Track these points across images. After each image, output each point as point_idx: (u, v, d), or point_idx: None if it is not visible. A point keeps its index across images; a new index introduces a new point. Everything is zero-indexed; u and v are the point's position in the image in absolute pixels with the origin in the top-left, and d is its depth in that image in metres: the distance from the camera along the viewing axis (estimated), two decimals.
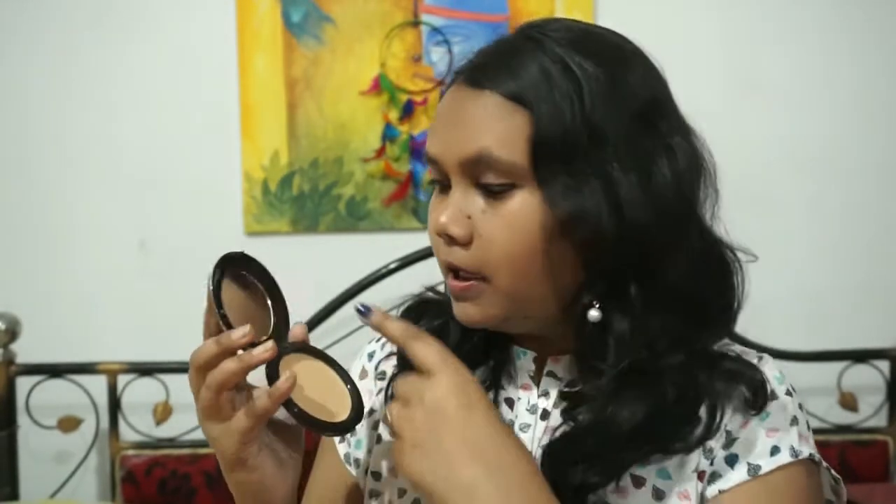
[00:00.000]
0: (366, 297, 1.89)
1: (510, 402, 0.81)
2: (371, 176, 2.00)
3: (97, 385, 1.89)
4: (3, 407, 1.86)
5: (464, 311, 0.75)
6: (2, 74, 1.98)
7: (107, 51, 1.98)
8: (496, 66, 0.73)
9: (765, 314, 1.98)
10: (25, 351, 1.88)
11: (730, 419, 0.74)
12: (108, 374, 1.89)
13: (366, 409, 0.84)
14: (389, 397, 0.85)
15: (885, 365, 1.98)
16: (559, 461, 0.73)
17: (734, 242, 0.84)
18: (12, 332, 1.85)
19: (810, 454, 0.74)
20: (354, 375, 0.91)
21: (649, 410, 0.71)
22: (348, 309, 1.91)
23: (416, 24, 1.99)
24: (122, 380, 1.90)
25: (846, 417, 2.00)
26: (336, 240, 2.02)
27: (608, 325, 0.73)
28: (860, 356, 1.98)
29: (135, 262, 2.00)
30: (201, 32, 1.99)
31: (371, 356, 0.93)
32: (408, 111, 1.99)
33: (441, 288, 0.86)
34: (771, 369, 0.78)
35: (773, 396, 0.75)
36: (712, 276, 0.79)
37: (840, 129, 2.06)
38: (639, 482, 0.74)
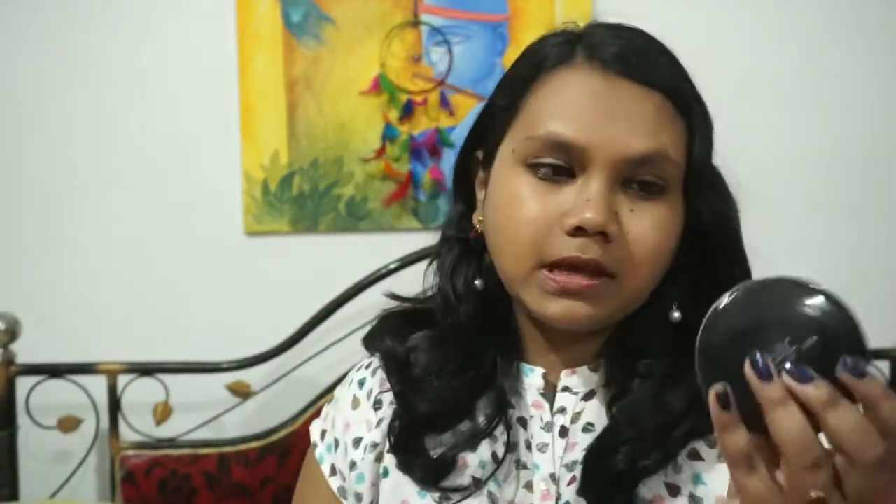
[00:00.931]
0: (366, 297, 1.89)
1: (523, 422, 0.79)
2: (371, 176, 2.00)
3: (97, 385, 1.89)
4: (2, 407, 1.86)
5: (571, 310, 0.71)
6: (2, 75, 1.98)
7: (106, 51, 1.98)
8: (654, 64, 0.75)
9: None
10: (25, 351, 1.88)
11: None
12: (108, 374, 1.89)
13: (367, 441, 0.83)
14: (394, 430, 0.82)
15: (885, 365, 1.98)
16: (610, 451, 0.72)
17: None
18: (12, 332, 1.85)
19: None
20: (345, 405, 0.88)
21: (691, 393, 0.72)
22: (348, 309, 1.91)
23: (416, 24, 1.99)
24: (122, 380, 1.90)
25: None
26: (336, 240, 2.02)
27: (683, 323, 0.75)
28: None
29: (135, 262, 2.00)
30: (201, 32, 1.99)
31: (362, 384, 0.89)
32: (408, 111, 1.99)
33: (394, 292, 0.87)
34: None
35: None
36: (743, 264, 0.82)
37: (840, 128, 2.06)
38: (674, 490, 0.74)
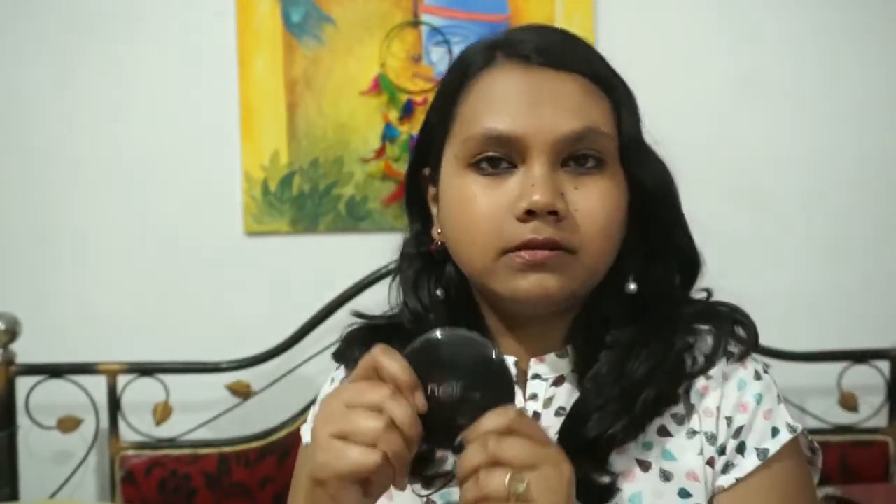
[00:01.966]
0: (366, 298, 1.89)
1: None
2: (371, 176, 2.00)
3: (97, 385, 1.89)
4: (2, 407, 1.86)
5: (541, 284, 0.75)
6: (1, 75, 1.98)
7: (106, 51, 1.98)
8: (571, 51, 0.79)
9: (764, 314, 1.97)
10: (25, 351, 1.88)
11: (722, 399, 0.80)
12: (108, 374, 1.89)
13: None
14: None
15: (885, 365, 1.98)
16: (580, 421, 0.76)
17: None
18: (12, 332, 1.85)
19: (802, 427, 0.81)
20: None
21: (655, 360, 0.78)
22: (348, 309, 1.91)
23: (416, 24, 1.99)
24: (122, 380, 1.90)
25: (846, 418, 2.00)
26: (336, 240, 2.02)
27: (639, 294, 0.80)
28: (860, 356, 1.98)
29: (135, 262, 2.00)
30: (201, 32, 1.99)
31: (344, 381, 0.91)
32: (408, 111, 1.99)
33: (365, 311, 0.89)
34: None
35: (758, 377, 0.81)
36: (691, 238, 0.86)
37: (840, 128, 2.06)
38: (645, 466, 0.77)
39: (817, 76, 2.05)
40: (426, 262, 0.86)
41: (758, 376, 0.81)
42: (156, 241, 2.00)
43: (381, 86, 1.98)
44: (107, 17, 1.97)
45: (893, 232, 2.07)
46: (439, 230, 0.84)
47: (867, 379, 1.99)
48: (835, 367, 1.98)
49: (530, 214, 0.74)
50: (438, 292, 0.84)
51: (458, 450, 0.68)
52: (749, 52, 2.04)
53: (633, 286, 0.80)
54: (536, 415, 0.81)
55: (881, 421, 1.99)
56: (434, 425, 0.69)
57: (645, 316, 0.80)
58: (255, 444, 1.91)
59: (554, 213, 0.74)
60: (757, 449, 0.78)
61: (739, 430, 0.78)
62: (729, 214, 1.93)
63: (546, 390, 0.82)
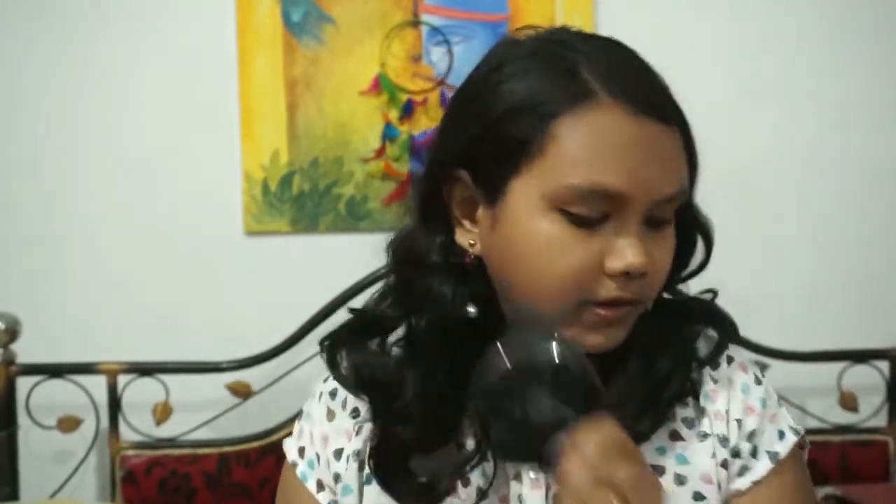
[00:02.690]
0: (366, 298, 1.88)
1: None
2: (371, 176, 2.00)
3: (97, 385, 1.89)
4: (3, 407, 1.86)
5: (609, 339, 0.75)
6: (2, 75, 1.98)
7: (106, 51, 1.98)
8: (668, 97, 0.76)
9: (764, 314, 1.98)
10: (25, 351, 1.88)
11: (728, 398, 0.80)
12: (108, 374, 1.89)
13: (348, 451, 0.82)
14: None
15: (885, 365, 1.98)
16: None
17: None
18: (12, 332, 1.85)
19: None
20: (319, 418, 0.86)
21: (676, 356, 0.79)
22: (348, 309, 1.91)
23: (416, 23, 1.99)
24: (122, 380, 1.90)
25: (846, 417, 2.00)
26: (336, 240, 2.02)
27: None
28: (860, 356, 1.98)
29: (135, 262, 2.00)
30: (201, 32, 1.99)
31: (334, 394, 0.87)
32: (408, 111, 1.99)
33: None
34: (743, 354, 0.85)
35: (759, 381, 0.82)
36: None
37: (840, 129, 2.06)
38: (660, 471, 0.78)
39: (817, 77, 2.05)
40: (458, 273, 0.79)
41: (758, 381, 0.82)
42: (156, 240, 2.00)
43: (381, 86, 1.98)
44: (107, 17, 1.97)
45: (893, 232, 2.07)
46: (472, 242, 0.78)
47: (867, 379, 1.99)
48: (835, 367, 1.98)
49: (624, 274, 0.72)
50: (472, 309, 0.78)
51: (546, 463, 0.66)
52: (750, 53, 2.04)
53: (665, 295, 0.81)
54: None
55: (881, 421, 1.99)
56: (519, 436, 0.67)
57: (667, 313, 0.81)
58: (255, 444, 1.91)
59: (644, 274, 0.72)
60: (768, 452, 0.80)
61: (751, 433, 0.80)
62: (729, 215, 1.92)
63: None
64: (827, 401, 2.01)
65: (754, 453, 0.79)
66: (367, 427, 0.83)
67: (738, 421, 0.80)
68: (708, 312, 0.83)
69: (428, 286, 0.79)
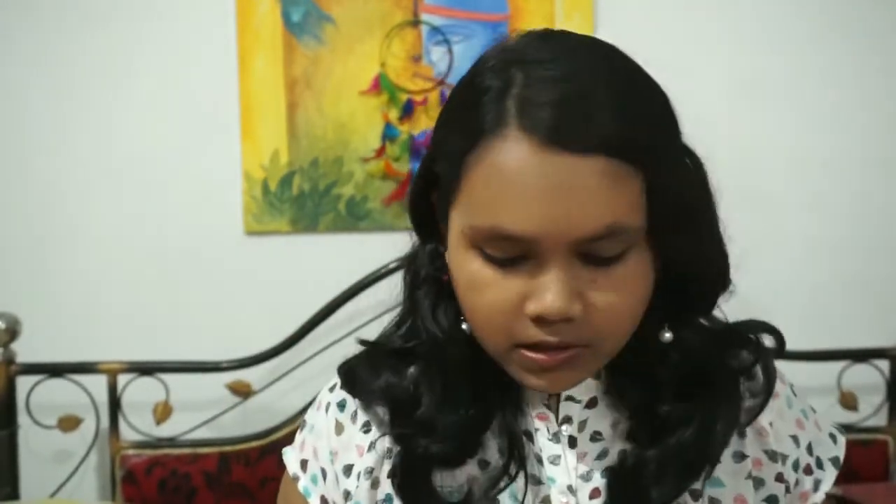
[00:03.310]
0: (366, 298, 1.89)
1: (529, 435, 0.76)
2: (371, 176, 2.00)
3: (97, 385, 1.89)
4: (3, 407, 1.86)
5: (554, 383, 0.70)
6: (1, 75, 1.98)
7: (106, 51, 1.98)
8: (592, 123, 0.64)
9: (764, 313, 1.98)
10: (25, 351, 1.88)
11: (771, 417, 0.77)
12: (108, 373, 1.89)
13: (360, 468, 0.78)
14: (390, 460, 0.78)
15: (885, 364, 1.98)
16: (640, 487, 0.72)
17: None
18: (12, 332, 1.85)
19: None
20: (326, 431, 0.82)
21: (712, 414, 0.73)
22: (348, 309, 1.92)
23: (416, 23, 1.99)
24: (122, 379, 1.90)
25: (846, 417, 2.00)
26: (336, 240, 2.02)
27: (676, 341, 0.73)
28: (860, 356, 1.98)
29: (135, 262, 2.00)
30: (201, 32, 1.99)
31: (343, 406, 0.82)
32: (408, 111, 1.99)
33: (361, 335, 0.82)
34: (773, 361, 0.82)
35: (794, 392, 0.81)
36: (724, 263, 0.79)
37: (839, 128, 2.06)
38: (696, 495, 0.75)
39: (817, 76, 2.05)
40: (441, 288, 0.76)
41: (794, 392, 0.82)
42: (156, 240, 2.00)
43: (381, 85, 1.98)
44: (107, 17, 1.97)
45: (894, 232, 2.07)
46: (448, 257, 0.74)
47: (867, 378, 1.99)
48: (835, 367, 1.98)
49: (541, 318, 0.66)
50: (465, 326, 0.74)
51: None
52: (750, 53, 2.04)
53: (668, 335, 0.73)
54: (573, 439, 0.76)
55: (881, 420, 2.00)
56: None
57: (694, 370, 0.74)
58: (255, 444, 1.91)
59: (568, 319, 0.66)
60: (831, 459, 0.80)
61: (810, 446, 0.79)
62: (728, 215, 1.93)
63: (580, 413, 0.76)
64: (827, 400, 2.01)
65: (820, 464, 0.79)
66: (382, 444, 0.78)
67: (794, 437, 0.78)
68: (755, 357, 0.78)
69: (424, 302, 0.77)
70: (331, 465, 0.81)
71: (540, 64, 0.66)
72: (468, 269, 0.68)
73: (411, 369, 0.78)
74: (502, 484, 0.74)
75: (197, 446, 1.91)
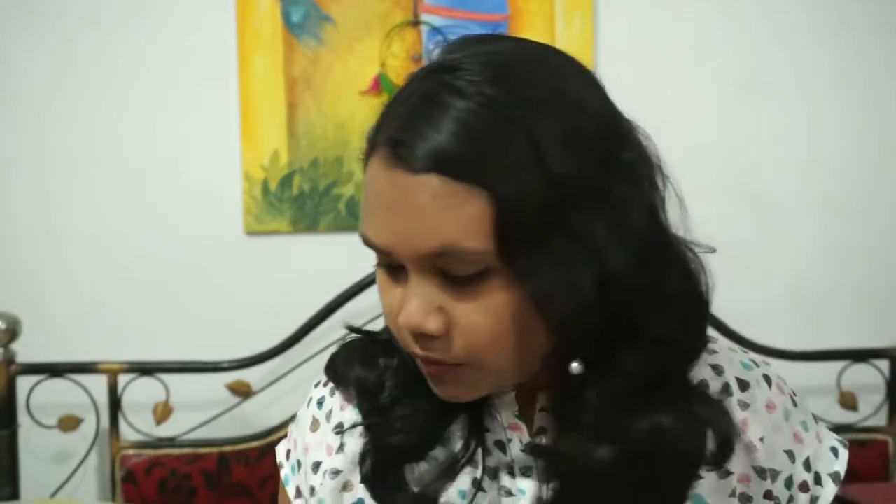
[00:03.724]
0: (366, 298, 1.89)
1: (500, 446, 0.75)
2: None
3: (97, 385, 1.89)
4: (3, 407, 1.86)
5: (451, 393, 0.70)
6: (1, 74, 1.98)
7: (106, 51, 1.98)
8: (426, 138, 0.63)
9: (765, 314, 1.99)
10: (25, 351, 1.88)
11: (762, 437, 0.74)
12: (108, 373, 1.89)
13: (326, 467, 0.79)
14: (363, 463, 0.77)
15: (884, 365, 1.98)
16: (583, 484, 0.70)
17: (692, 238, 0.72)
18: (12, 332, 1.85)
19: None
20: (305, 426, 0.83)
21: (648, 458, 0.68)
22: (348, 309, 1.92)
23: (416, 23, 1.99)
24: (122, 379, 1.90)
25: (846, 417, 2.00)
26: (336, 240, 2.02)
27: (590, 379, 0.68)
28: (860, 356, 1.98)
29: (135, 262, 2.00)
30: (201, 32, 1.99)
31: (321, 403, 0.83)
32: None
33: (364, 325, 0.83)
34: (773, 368, 0.79)
35: (795, 403, 0.78)
36: (689, 302, 0.70)
37: (840, 128, 2.06)
38: None
39: (818, 76, 2.05)
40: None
41: (794, 402, 0.78)
42: (156, 240, 2.00)
43: (381, 85, 1.98)
44: (107, 17, 1.97)
45: (893, 232, 2.07)
46: None
47: (867, 378, 1.99)
48: (835, 367, 1.99)
49: (413, 333, 0.66)
50: None
51: None
52: (750, 53, 2.04)
53: (575, 365, 0.67)
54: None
55: (881, 420, 2.00)
56: None
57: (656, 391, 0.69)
58: (254, 444, 1.91)
59: (425, 334, 0.65)
60: (830, 475, 0.77)
61: (807, 461, 0.76)
62: (729, 215, 1.93)
63: (556, 424, 0.74)
64: (827, 400, 2.02)
65: (818, 480, 0.76)
66: (353, 448, 0.78)
67: (789, 452, 0.75)
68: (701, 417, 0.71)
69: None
70: (304, 457, 0.83)
71: (416, 78, 0.70)
72: (376, 271, 0.71)
73: (385, 361, 0.79)
74: (461, 463, 0.74)
75: (197, 446, 1.91)
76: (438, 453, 0.75)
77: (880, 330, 2.02)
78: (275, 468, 0.88)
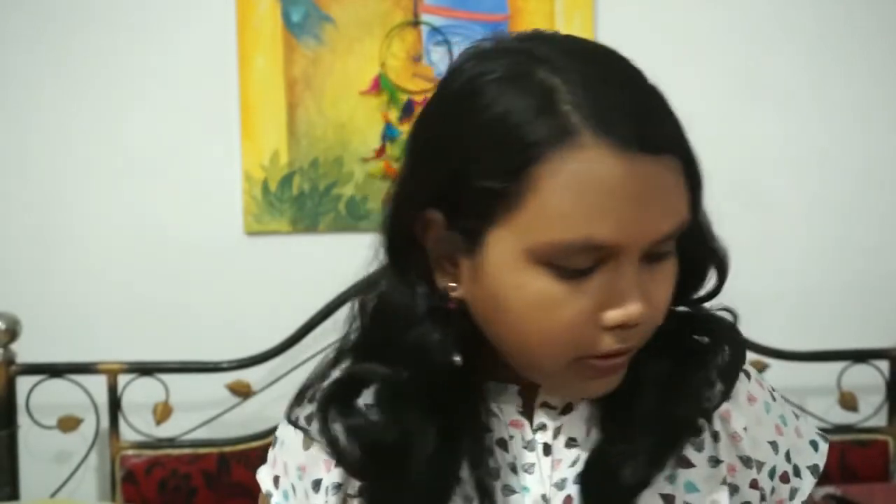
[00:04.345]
0: (365, 293, 1.88)
1: (502, 443, 0.75)
2: (371, 176, 2.00)
3: (97, 385, 1.89)
4: (3, 407, 1.86)
5: (606, 387, 0.69)
6: (1, 74, 1.98)
7: (106, 51, 1.98)
8: (665, 124, 0.66)
9: (765, 314, 1.98)
10: (25, 351, 1.88)
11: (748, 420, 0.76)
12: (108, 373, 1.89)
13: (327, 482, 0.77)
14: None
15: (884, 365, 1.98)
16: (612, 467, 0.70)
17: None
18: (12, 332, 1.85)
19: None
20: (295, 446, 0.80)
21: (695, 397, 0.73)
22: (348, 309, 1.91)
23: (416, 24, 1.99)
24: (122, 380, 1.90)
25: (846, 417, 2.00)
26: (336, 240, 2.02)
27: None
28: (860, 356, 1.98)
29: (135, 262, 2.00)
30: (201, 32, 1.99)
31: (310, 419, 0.80)
32: (408, 111, 1.99)
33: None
34: (750, 367, 0.81)
35: (773, 397, 0.80)
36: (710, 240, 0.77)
37: (840, 128, 2.06)
38: (669, 500, 0.73)
39: (819, 76, 2.05)
40: (444, 319, 0.72)
41: (773, 397, 0.80)
42: (156, 240, 2.00)
43: (381, 86, 1.98)
44: (107, 17, 1.97)
45: (893, 232, 2.07)
46: (453, 284, 0.71)
47: (867, 379, 1.99)
48: (835, 367, 1.98)
49: (622, 326, 0.65)
50: (457, 358, 0.71)
51: None
52: (751, 52, 2.04)
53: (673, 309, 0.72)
54: (547, 447, 0.74)
55: (881, 420, 2.00)
56: None
57: (666, 342, 0.72)
58: (254, 444, 1.91)
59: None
60: (809, 467, 0.78)
61: (788, 453, 0.77)
62: (729, 214, 1.93)
63: (555, 419, 0.74)
64: (827, 400, 2.02)
65: (797, 472, 0.78)
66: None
67: (773, 443, 0.77)
68: (721, 335, 0.77)
69: (416, 338, 0.73)
70: (299, 480, 0.79)
71: (564, 57, 0.66)
72: (534, 289, 0.65)
73: (361, 404, 0.76)
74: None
75: (197, 446, 1.91)
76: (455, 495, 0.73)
77: (880, 330, 2.01)
78: None
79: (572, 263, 0.64)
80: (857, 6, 2.04)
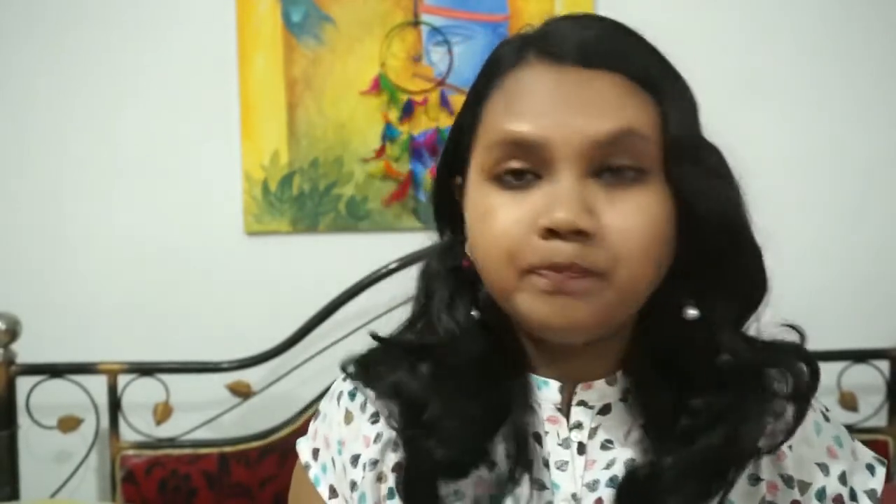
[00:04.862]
0: (366, 298, 1.89)
1: (538, 438, 0.75)
2: (371, 176, 2.00)
3: (97, 385, 1.89)
4: (3, 407, 1.86)
5: (564, 311, 0.66)
6: (1, 75, 1.98)
7: (106, 51, 1.98)
8: (611, 46, 0.70)
9: (764, 314, 1.98)
10: (25, 351, 1.88)
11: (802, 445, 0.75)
12: (108, 374, 1.89)
13: (365, 458, 0.78)
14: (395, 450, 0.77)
15: (885, 365, 1.98)
16: (647, 498, 0.69)
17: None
18: (12, 332, 1.85)
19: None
20: (336, 420, 0.82)
21: (752, 436, 0.70)
22: (348, 309, 1.91)
23: (416, 24, 1.99)
24: (122, 380, 1.90)
25: (846, 417, 2.00)
26: (336, 240, 2.02)
27: (702, 324, 0.71)
28: (860, 356, 1.98)
29: (135, 262, 2.00)
30: (201, 32, 1.99)
31: (353, 395, 0.82)
32: (408, 111, 1.99)
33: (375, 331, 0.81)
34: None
35: (827, 419, 0.79)
36: (760, 257, 0.79)
37: (843, 129, 2.06)
38: None
39: (820, 76, 2.05)
40: (458, 279, 0.77)
41: (826, 418, 0.79)
42: (156, 240, 2.00)
43: (381, 86, 1.98)
44: (106, 17, 1.97)
45: (893, 232, 2.07)
46: (467, 248, 0.75)
47: (867, 379, 1.99)
48: (835, 367, 1.98)
49: (551, 232, 0.65)
50: (474, 312, 0.75)
51: None
52: (752, 52, 2.04)
53: (692, 312, 0.71)
54: (582, 446, 0.74)
55: (881, 421, 2.00)
56: None
57: (723, 370, 0.71)
58: (255, 444, 1.91)
59: (579, 232, 0.64)
60: (867, 492, 0.76)
61: (843, 475, 0.75)
62: None
63: (592, 419, 0.74)
64: (827, 400, 1.99)
65: (853, 496, 0.75)
66: (387, 436, 0.78)
67: (822, 465, 0.75)
68: (790, 366, 0.75)
69: (439, 294, 0.78)
70: (339, 455, 0.81)
71: (559, 22, 0.74)
72: (483, 203, 0.69)
73: (423, 368, 0.77)
74: (507, 489, 0.72)
75: (197, 447, 1.91)
76: (482, 472, 0.73)
77: (880, 330, 2.01)
78: (276, 469, 0.87)
79: (506, 167, 0.68)
80: (858, 6, 2.04)
